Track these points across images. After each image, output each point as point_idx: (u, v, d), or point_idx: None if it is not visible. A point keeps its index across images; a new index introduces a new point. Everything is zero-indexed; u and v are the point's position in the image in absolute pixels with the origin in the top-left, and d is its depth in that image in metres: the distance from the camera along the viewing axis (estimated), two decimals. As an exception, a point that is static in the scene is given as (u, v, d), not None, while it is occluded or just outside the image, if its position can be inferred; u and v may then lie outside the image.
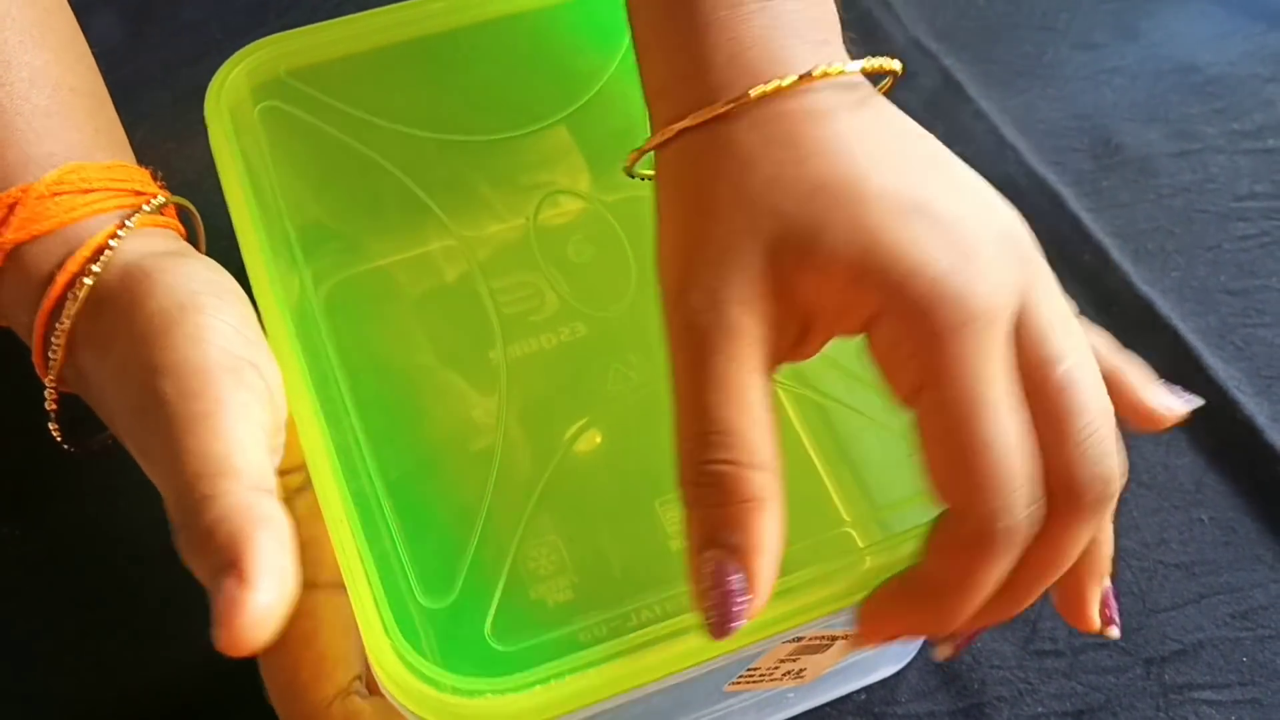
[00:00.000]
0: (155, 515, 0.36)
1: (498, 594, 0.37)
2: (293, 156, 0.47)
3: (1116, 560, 0.51)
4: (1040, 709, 0.48)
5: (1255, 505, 0.54)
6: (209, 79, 0.46)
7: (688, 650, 0.35)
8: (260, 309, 0.41)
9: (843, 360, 0.42)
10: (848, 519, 0.38)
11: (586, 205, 0.46)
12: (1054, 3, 0.73)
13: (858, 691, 0.49)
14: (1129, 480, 0.53)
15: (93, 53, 0.46)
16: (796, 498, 0.38)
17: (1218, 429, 0.56)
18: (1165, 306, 0.59)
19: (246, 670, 0.40)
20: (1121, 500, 0.53)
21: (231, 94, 0.47)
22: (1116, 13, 0.72)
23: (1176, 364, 0.57)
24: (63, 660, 0.49)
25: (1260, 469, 0.54)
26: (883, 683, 0.49)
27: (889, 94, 0.38)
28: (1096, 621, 0.38)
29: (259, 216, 0.44)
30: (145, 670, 0.49)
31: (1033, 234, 0.37)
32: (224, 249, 0.43)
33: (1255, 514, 0.53)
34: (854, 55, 0.37)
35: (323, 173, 0.47)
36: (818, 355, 0.37)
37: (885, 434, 0.40)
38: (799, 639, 0.40)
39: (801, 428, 0.41)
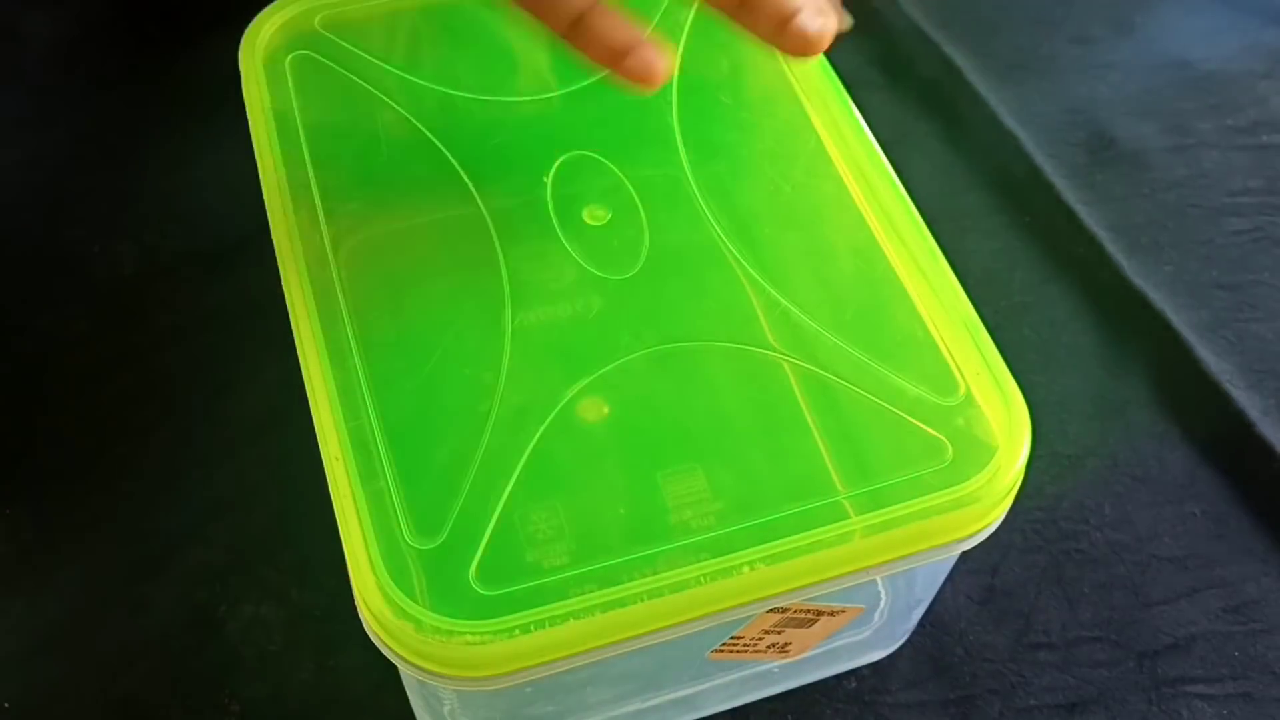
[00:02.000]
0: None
1: (485, 539, 0.37)
2: (321, 106, 0.48)
3: (1110, 554, 0.52)
4: (1033, 701, 0.48)
5: (1247, 499, 0.54)
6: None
7: (671, 607, 0.36)
8: (278, 252, 0.43)
9: (847, 338, 0.42)
10: (842, 491, 0.39)
11: (605, 171, 0.46)
12: (1050, -3, 0.73)
13: (848, 679, 0.49)
14: (1123, 473, 0.54)
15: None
16: (794, 466, 0.40)
17: (1210, 423, 0.56)
18: (1158, 300, 0.59)
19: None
20: (1115, 494, 0.53)
21: (266, 42, 0.49)
22: (1112, 7, 0.72)
23: (1169, 357, 0.57)
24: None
25: (1252, 463, 0.54)
26: (874, 672, 0.49)
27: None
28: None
29: (283, 163, 0.45)
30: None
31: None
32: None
33: (1247, 508, 0.53)
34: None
35: (348, 123, 0.48)
36: (801, 320, 0.41)
37: (868, 406, 0.41)
38: (783, 609, 0.40)
39: (804, 400, 0.41)
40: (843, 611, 0.43)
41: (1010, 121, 0.66)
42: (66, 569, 0.51)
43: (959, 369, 0.41)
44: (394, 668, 0.40)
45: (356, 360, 0.41)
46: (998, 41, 0.70)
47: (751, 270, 0.44)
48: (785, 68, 0.49)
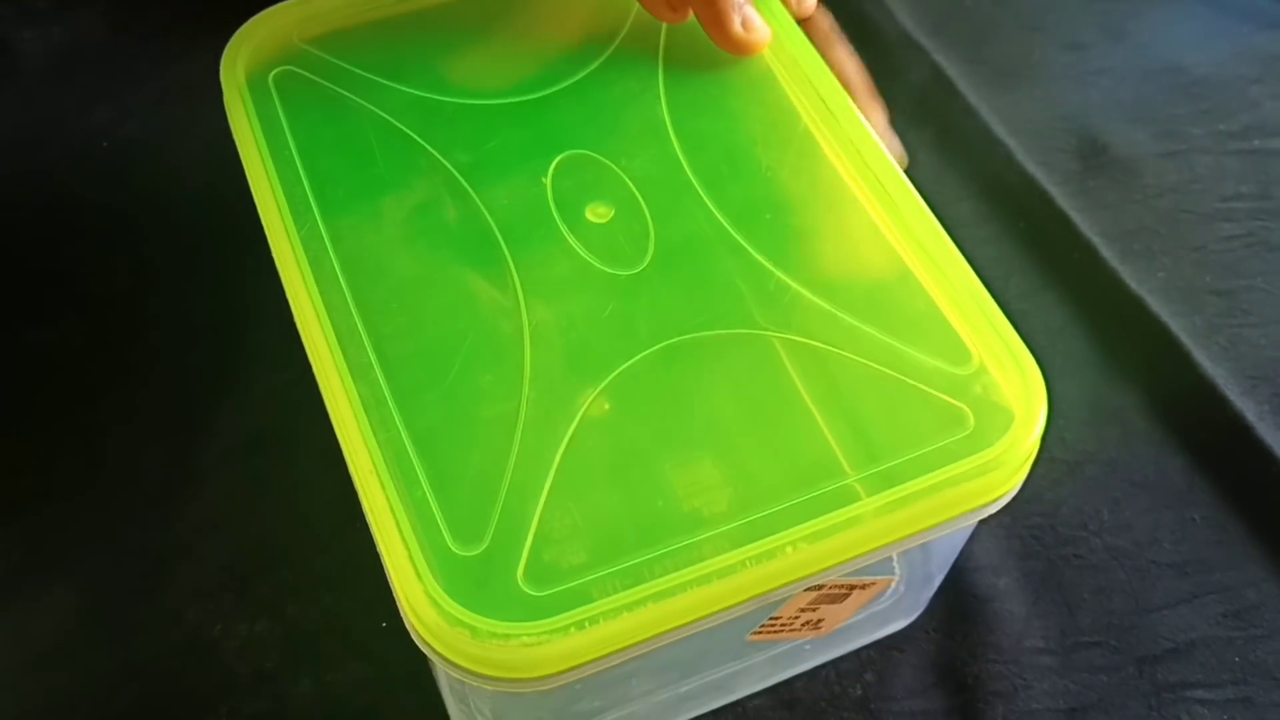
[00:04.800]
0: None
1: (528, 541, 0.38)
2: (309, 121, 0.47)
3: (1109, 560, 0.52)
4: (1034, 705, 0.48)
5: (1246, 504, 0.54)
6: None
7: (719, 593, 0.37)
8: (281, 273, 0.43)
9: (859, 315, 0.43)
10: (869, 466, 0.39)
11: (603, 168, 0.46)
12: (1042, 3, 0.73)
13: (853, 687, 0.49)
14: (1121, 479, 0.54)
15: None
16: (797, 451, 0.40)
17: (1208, 428, 0.56)
18: (1153, 306, 0.59)
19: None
20: (1113, 500, 0.53)
21: (247, 59, 0.48)
22: (1104, 13, 0.72)
23: (1165, 363, 0.57)
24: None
25: (1250, 468, 0.54)
26: (879, 679, 0.49)
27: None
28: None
29: (277, 181, 0.45)
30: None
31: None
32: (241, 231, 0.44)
33: (1246, 513, 0.53)
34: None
35: (339, 137, 0.47)
36: (812, 301, 0.42)
37: (886, 381, 0.41)
38: (819, 587, 0.41)
39: (826, 379, 0.41)
40: (874, 584, 0.44)
41: (1002, 129, 0.66)
42: (60, 588, 0.50)
43: (971, 339, 0.42)
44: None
45: (378, 373, 0.41)
46: (989, 49, 0.70)
47: (758, 256, 0.44)
48: (766, 53, 0.49)
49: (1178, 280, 0.61)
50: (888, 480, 0.39)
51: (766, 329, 0.42)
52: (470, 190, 0.46)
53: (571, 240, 0.45)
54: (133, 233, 0.61)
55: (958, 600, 0.51)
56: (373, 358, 0.41)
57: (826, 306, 0.43)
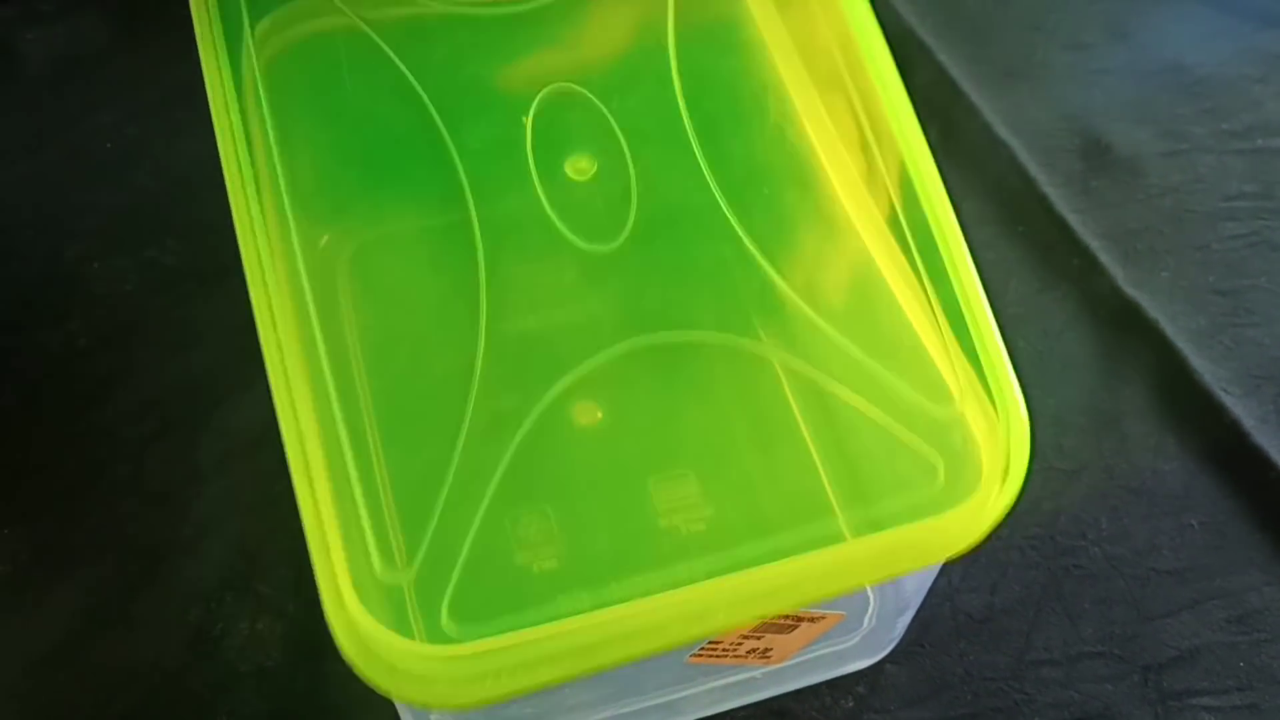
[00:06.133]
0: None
1: (458, 569, 0.35)
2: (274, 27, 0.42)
3: (1109, 569, 0.52)
4: (1038, 718, 0.48)
5: (1245, 508, 0.54)
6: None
7: (644, 642, 0.33)
8: (236, 223, 0.39)
9: (843, 329, 0.40)
10: (836, 507, 0.37)
11: (591, 109, 0.42)
12: (1043, 3, 0.72)
13: (845, 698, 0.49)
14: (1119, 486, 0.54)
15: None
16: (787, 477, 0.39)
17: (1206, 432, 0.56)
18: (1154, 307, 0.59)
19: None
20: (1111, 508, 0.53)
21: None
22: (1106, 13, 0.72)
23: (1165, 366, 0.57)
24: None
25: (1249, 472, 0.54)
26: (873, 692, 0.49)
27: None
28: None
29: (235, 101, 0.40)
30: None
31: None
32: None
33: (1245, 517, 0.53)
34: None
35: (305, 49, 0.42)
36: (818, 321, 0.39)
37: (882, 426, 0.39)
38: (759, 615, 0.38)
39: (797, 404, 0.40)
40: (823, 618, 0.42)
41: (1003, 129, 0.66)
42: (63, 589, 0.50)
43: (958, 372, 0.38)
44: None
45: (321, 350, 0.37)
46: (991, 49, 0.70)
47: (748, 242, 0.41)
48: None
49: (1181, 280, 0.61)
50: (865, 522, 0.37)
51: (744, 334, 0.40)
52: (442, 127, 0.40)
53: (546, 202, 0.40)
54: (136, 234, 0.61)
55: (954, 615, 0.51)
56: (316, 327, 0.37)
57: (810, 314, 0.40)
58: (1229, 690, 0.49)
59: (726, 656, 0.43)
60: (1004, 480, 0.36)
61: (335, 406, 0.37)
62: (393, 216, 0.41)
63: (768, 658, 0.44)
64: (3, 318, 0.58)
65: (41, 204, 0.62)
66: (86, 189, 0.62)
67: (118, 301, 0.59)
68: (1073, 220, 0.62)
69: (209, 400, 0.55)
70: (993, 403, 0.37)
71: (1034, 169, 0.64)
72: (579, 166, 0.42)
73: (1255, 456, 0.54)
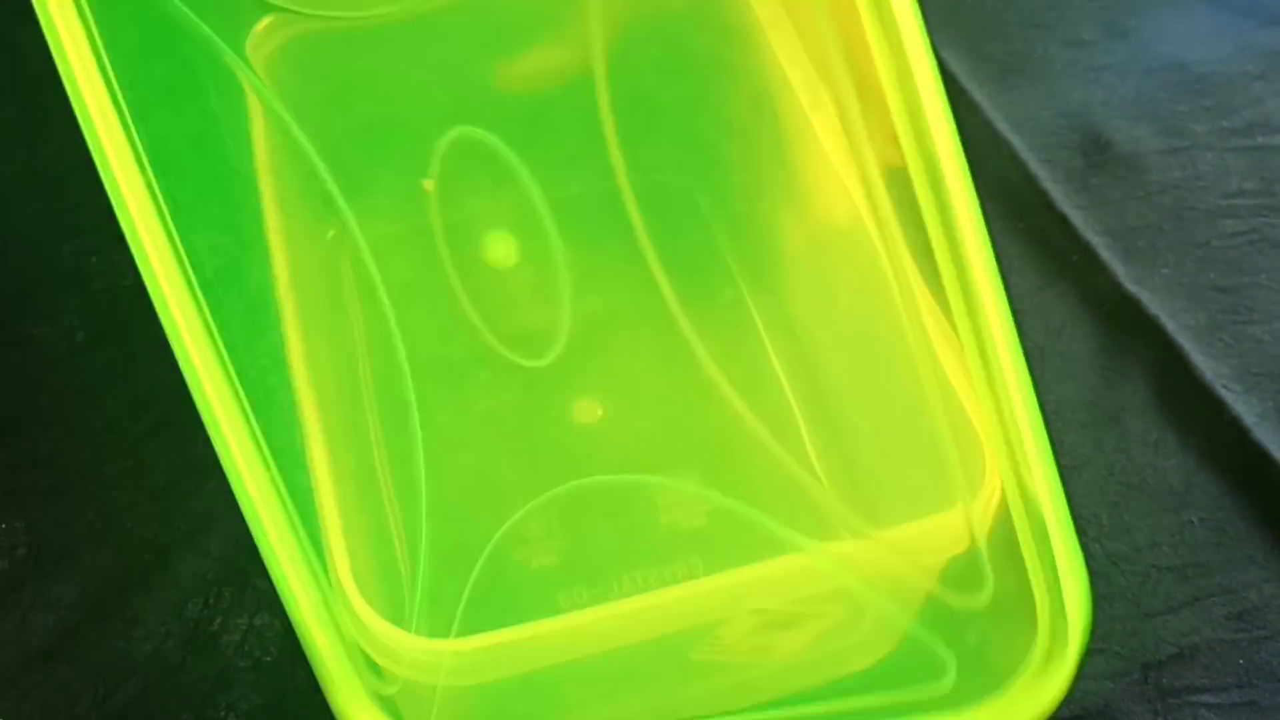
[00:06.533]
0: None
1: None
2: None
3: (1109, 565, 0.51)
4: (1038, 713, 0.48)
5: (1245, 505, 0.53)
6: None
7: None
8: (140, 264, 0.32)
9: (844, 490, 0.38)
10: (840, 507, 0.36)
11: (506, 164, 0.32)
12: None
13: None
14: (1119, 482, 0.54)
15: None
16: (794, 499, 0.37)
17: (1206, 428, 0.55)
18: (1155, 304, 0.59)
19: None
20: (1111, 504, 0.53)
21: None
22: (1106, 10, 0.72)
23: (1165, 363, 0.57)
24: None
25: (1249, 468, 0.54)
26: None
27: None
28: None
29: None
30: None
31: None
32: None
33: (1245, 514, 0.53)
34: None
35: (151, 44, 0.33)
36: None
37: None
38: (764, 610, 0.37)
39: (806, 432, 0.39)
40: (827, 615, 0.41)
41: (1004, 126, 0.66)
42: (61, 583, 0.50)
43: (993, 554, 0.29)
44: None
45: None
46: (991, 45, 0.70)
47: (713, 365, 0.34)
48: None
49: (1181, 277, 0.61)
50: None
51: (716, 484, 0.34)
52: (335, 193, 0.32)
53: (464, 300, 0.34)
54: (135, 228, 0.60)
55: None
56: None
57: (799, 469, 0.34)
58: (1229, 687, 0.49)
59: (730, 654, 0.42)
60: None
61: (336, 404, 0.36)
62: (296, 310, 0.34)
63: (770, 655, 0.43)
64: (0, 312, 0.58)
65: (39, 198, 0.62)
66: (85, 184, 0.61)
67: (116, 296, 0.58)
68: (1073, 216, 0.62)
69: (208, 395, 0.55)
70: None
71: (1034, 165, 0.64)
72: (498, 249, 0.35)
73: (1256, 453, 0.54)
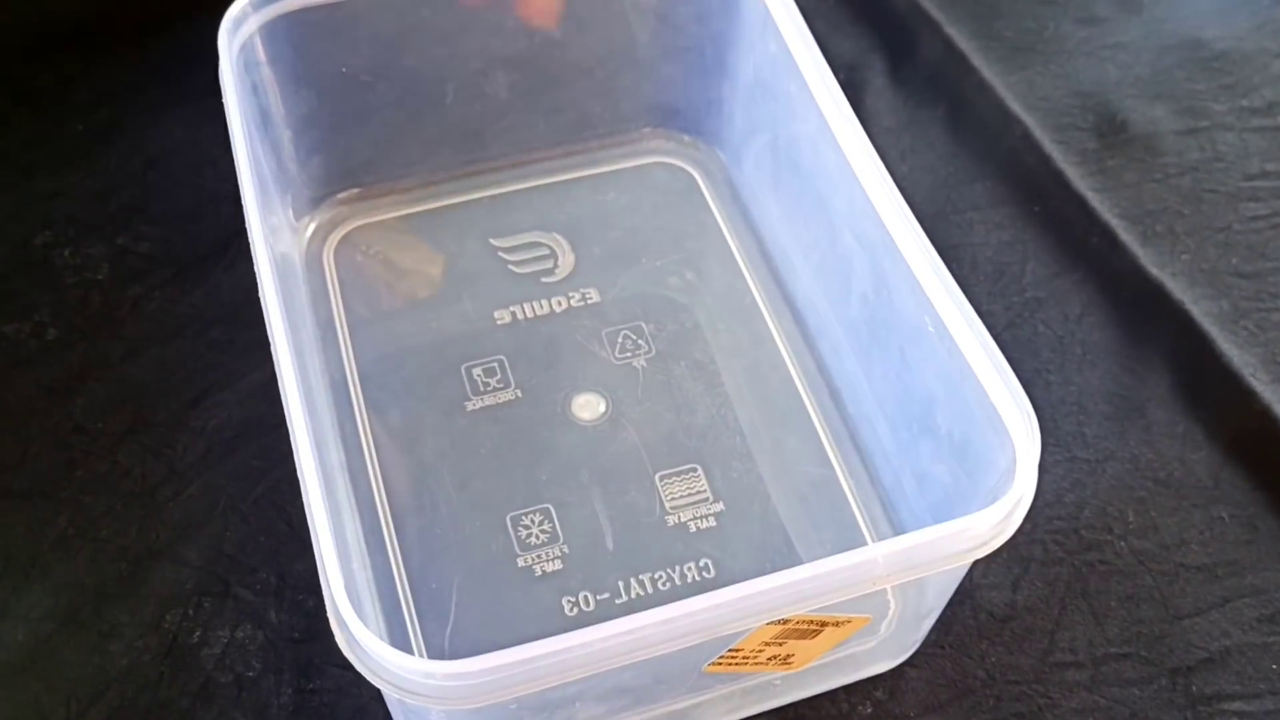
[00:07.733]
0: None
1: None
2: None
3: (1136, 564, 0.50)
4: (1063, 723, 0.47)
5: (1276, 500, 0.51)
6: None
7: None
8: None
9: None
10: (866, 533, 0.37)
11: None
12: (1054, -25, 0.71)
13: (863, 704, 0.47)
14: (1145, 477, 0.52)
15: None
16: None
17: (1234, 419, 0.53)
18: (1176, 290, 0.57)
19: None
20: (1138, 499, 0.51)
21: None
22: (1118, -15, 0.71)
23: (1189, 351, 0.55)
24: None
25: (1280, 460, 0.52)
26: (891, 696, 0.47)
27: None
28: None
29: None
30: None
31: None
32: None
33: (1277, 509, 0.51)
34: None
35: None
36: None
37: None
38: (784, 620, 0.38)
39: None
40: (848, 622, 0.41)
41: (1017, 106, 0.64)
42: (33, 592, 0.49)
43: None
44: (378, 690, 0.38)
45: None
46: (1002, 23, 0.69)
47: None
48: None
49: (1202, 263, 0.59)
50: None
51: None
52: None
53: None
54: (110, 222, 0.59)
55: (975, 614, 0.49)
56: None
57: None
58: (1261, 694, 0.47)
59: (747, 665, 0.41)
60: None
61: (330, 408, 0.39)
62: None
63: (789, 664, 0.42)
64: (-31, 308, 0.56)
65: (10, 190, 0.60)
66: (57, 175, 0.61)
67: (89, 291, 0.57)
68: (1092, 198, 0.60)
69: (186, 396, 0.54)
70: None
71: (1049, 146, 0.62)
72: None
73: (1287, 444, 0.52)
